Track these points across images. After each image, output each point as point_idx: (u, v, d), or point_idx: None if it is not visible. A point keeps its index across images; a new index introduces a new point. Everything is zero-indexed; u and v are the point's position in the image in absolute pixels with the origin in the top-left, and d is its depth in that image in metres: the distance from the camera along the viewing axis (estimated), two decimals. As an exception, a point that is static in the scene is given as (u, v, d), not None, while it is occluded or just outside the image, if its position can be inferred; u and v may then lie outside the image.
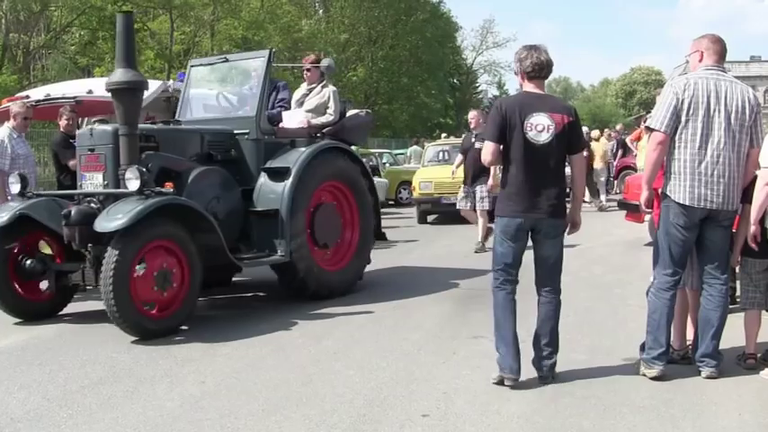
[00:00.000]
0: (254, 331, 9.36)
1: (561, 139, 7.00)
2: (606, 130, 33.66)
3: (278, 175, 11.05)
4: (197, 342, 8.92)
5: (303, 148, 11.39)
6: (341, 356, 8.18)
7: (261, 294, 12.50)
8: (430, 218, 23.56)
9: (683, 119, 6.90)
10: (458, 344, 8.57)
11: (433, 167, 24.17)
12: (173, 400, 6.88)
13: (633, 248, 15.59)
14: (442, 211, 23.08)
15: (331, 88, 12.45)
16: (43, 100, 14.48)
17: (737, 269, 7.75)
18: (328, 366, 7.83)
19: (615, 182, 29.71)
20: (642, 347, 7.28)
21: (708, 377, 7.14)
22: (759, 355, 7.44)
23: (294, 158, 11.17)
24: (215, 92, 13.01)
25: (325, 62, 12.42)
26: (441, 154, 25.68)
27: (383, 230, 13.28)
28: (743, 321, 7.56)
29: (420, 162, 27.29)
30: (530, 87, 7.15)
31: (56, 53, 45.58)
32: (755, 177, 7.13)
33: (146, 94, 14.84)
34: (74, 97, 14.60)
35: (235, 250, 10.56)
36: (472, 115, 17.20)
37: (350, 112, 12.89)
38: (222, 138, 11.37)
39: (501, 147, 7.06)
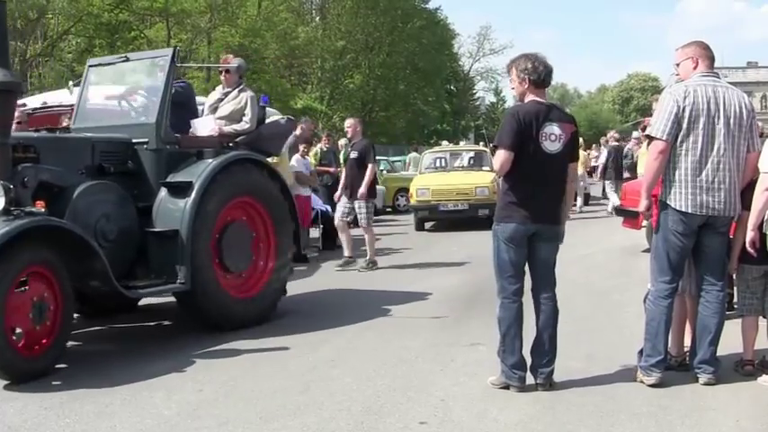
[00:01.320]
0: (251, 339, 9.36)
1: (567, 148, 7.12)
2: (602, 138, 33.59)
3: (179, 190, 9.64)
4: (194, 350, 8.91)
5: (210, 160, 10.00)
6: (338, 364, 8.18)
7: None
8: (427, 225, 23.56)
9: (684, 126, 6.88)
10: (455, 351, 8.57)
11: (430, 174, 24.17)
12: (170, 409, 6.88)
13: (630, 255, 15.60)
14: (439, 218, 23.12)
15: (249, 93, 11.25)
16: (40, 108, 14.48)
17: (734, 276, 7.75)
18: (326, 374, 7.83)
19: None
20: (640, 354, 7.28)
21: (706, 383, 7.13)
22: (756, 361, 7.43)
23: (198, 171, 9.76)
24: (114, 96, 11.28)
25: (235, 62, 11.49)
26: (438, 161, 25.69)
27: (304, 252, 11.99)
28: (740, 328, 7.56)
29: (417, 169, 27.30)
30: (534, 96, 7.15)
31: (53, 61, 45.51)
32: (752, 182, 7.15)
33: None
34: (70, 105, 14.59)
35: (130, 275, 9.40)
36: (349, 123, 16.28)
37: (269, 119, 11.97)
38: (118, 147, 9.84)
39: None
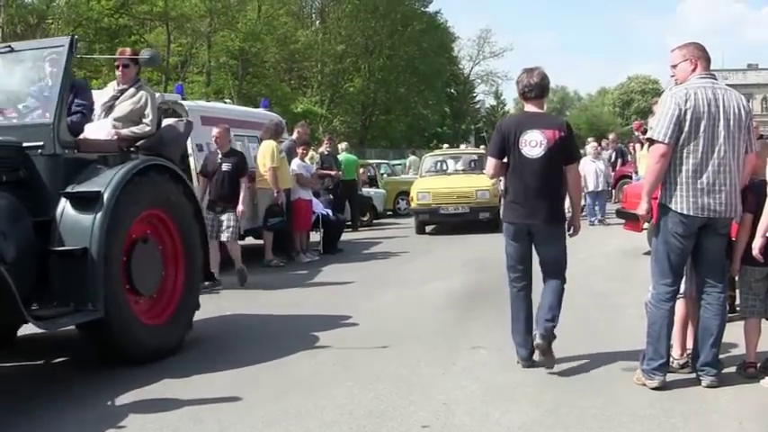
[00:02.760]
0: (253, 344, 9.35)
1: (554, 152, 7.69)
2: (603, 141, 33.58)
3: (85, 202, 8.27)
4: (196, 355, 8.91)
5: (117, 167, 8.72)
6: (340, 368, 8.17)
7: (253, 307, 12.29)
8: (428, 228, 23.54)
9: (686, 129, 6.86)
10: (456, 355, 8.55)
11: (430, 178, 24.17)
12: (172, 413, 6.87)
13: (631, 257, 15.57)
14: (439, 222, 23.10)
15: (148, 92, 9.99)
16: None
17: (736, 278, 7.74)
18: (328, 378, 7.82)
19: (613, 191, 29.64)
20: (642, 358, 7.26)
21: (708, 386, 7.11)
22: (759, 363, 7.42)
23: (106, 180, 8.44)
24: None
25: (146, 53, 9.94)
26: (438, 164, 25.70)
27: (212, 271, 10.93)
28: (742, 330, 7.56)
29: (417, 172, 27.29)
30: (528, 107, 7.95)
31: (53, 66, 45.50)
32: (752, 184, 7.15)
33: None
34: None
35: (27, 303, 7.62)
36: (216, 133, 14.68)
37: (165, 122, 10.67)
38: (6, 152, 8.21)
39: (503, 162, 7.90)
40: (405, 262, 16.97)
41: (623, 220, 16.58)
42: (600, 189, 23.58)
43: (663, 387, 7.07)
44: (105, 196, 8.26)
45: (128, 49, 10.54)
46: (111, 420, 6.74)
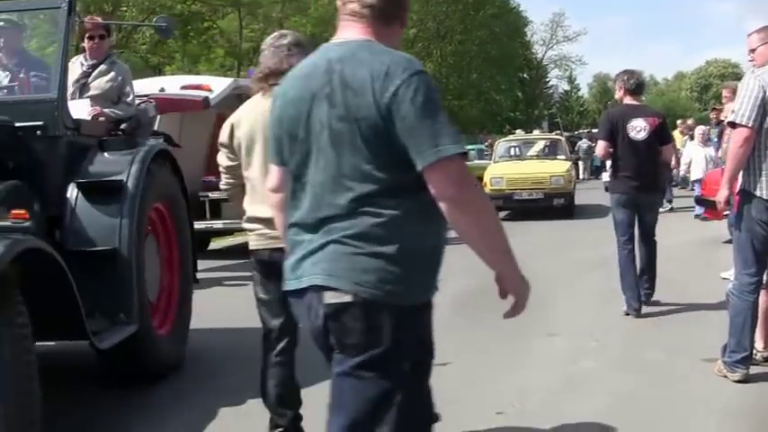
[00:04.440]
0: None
1: (654, 136, 9.61)
2: (679, 122, 33.04)
3: (103, 193, 7.03)
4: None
5: (125, 153, 7.45)
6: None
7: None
8: (501, 214, 23.38)
9: (772, 112, 6.69)
10: (532, 342, 8.48)
11: (504, 163, 24.07)
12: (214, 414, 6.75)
13: (711, 245, 15.26)
14: (513, 207, 22.95)
15: (123, 67, 8.88)
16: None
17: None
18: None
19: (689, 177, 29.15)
20: (724, 349, 7.08)
21: (793, 379, 6.95)
22: None
23: (121, 168, 7.20)
24: None
25: (162, 21, 8.90)
26: (512, 150, 25.58)
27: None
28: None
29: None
30: (630, 100, 9.81)
31: (127, 52, 46.00)
32: None
33: (216, 92, 15.10)
34: (146, 95, 14.70)
35: None
36: None
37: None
38: (2, 132, 6.70)
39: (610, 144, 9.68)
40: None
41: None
42: None
43: (745, 380, 6.88)
44: (129, 186, 7.06)
45: (99, 18, 9.20)
46: None
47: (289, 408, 5.56)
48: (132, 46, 46.77)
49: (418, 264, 3.20)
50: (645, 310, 9.63)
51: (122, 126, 8.37)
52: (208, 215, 16.69)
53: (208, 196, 16.83)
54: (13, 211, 5.63)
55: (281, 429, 5.53)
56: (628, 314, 9.42)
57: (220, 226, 16.71)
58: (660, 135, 9.76)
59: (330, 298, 3.14)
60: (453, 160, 3.08)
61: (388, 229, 3.14)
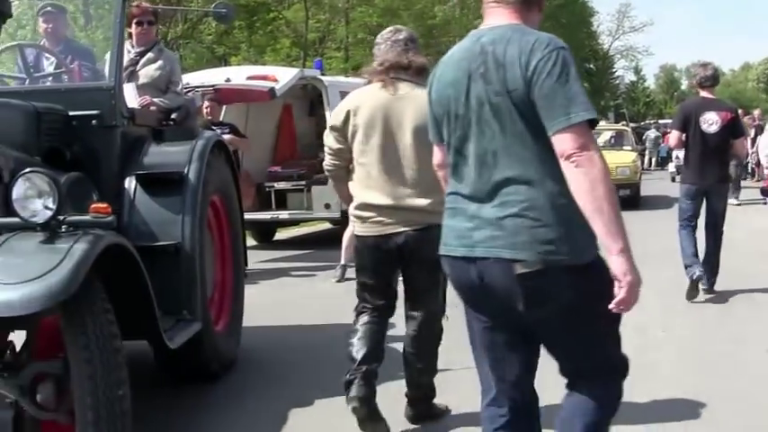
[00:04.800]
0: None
1: (725, 129, 10.04)
2: (747, 117, 32.59)
3: (163, 185, 6.74)
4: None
5: (185, 143, 7.17)
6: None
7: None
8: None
9: None
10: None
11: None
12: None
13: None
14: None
15: (171, 54, 8.72)
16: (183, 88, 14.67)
17: None
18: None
19: (757, 169, 28.83)
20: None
21: None
22: None
23: (181, 159, 6.91)
24: (12, 45, 7.96)
25: (222, 7, 8.40)
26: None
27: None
28: None
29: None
30: (704, 93, 10.32)
31: (193, 43, 46.31)
32: None
33: (282, 82, 15.16)
34: (212, 85, 14.81)
35: None
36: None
37: None
38: (57, 122, 6.42)
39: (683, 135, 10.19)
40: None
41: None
42: None
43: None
44: (191, 179, 6.76)
45: (145, 3, 8.97)
46: None
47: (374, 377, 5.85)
48: (198, 36, 47.06)
49: (579, 226, 3.53)
50: (709, 300, 10.03)
51: (173, 116, 8.10)
52: (273, 206, 16.76)
53: (273, 187, 16.90)
54: (94, 205, 4.90)
55: (363, 408, 5.74)
56: (695, 282, 9.90)
57: (286, 216, 16.79)
58: (732, 129, 10.15)
59: (520, 268, 3.56)
60: (582, 125, 3.50)
61: (553, 198, 3.58)
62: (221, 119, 14.51)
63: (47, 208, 4.60)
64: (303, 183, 16.63)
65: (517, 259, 3.57)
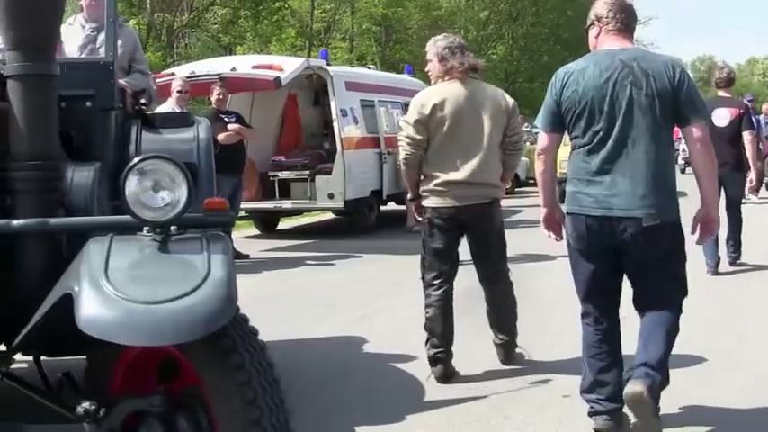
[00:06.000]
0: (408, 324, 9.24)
1: (735, 124, 11.24)
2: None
3: None
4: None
5: (184, 129, 5.97)
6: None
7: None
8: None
9: None
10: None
11: (574, 146, 23.84)
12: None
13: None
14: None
15: (131, 30, 7.72)
16: (188, 77, 14.64)
17: None
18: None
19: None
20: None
21: None
22: None
23: (188, 147, 5.76)
24: None
25: None
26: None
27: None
28: None
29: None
30: (720, 93, 11.63)
31: (198, 32, 46.27)
32: None
33: (288, 71, 15.13)
34: (218, 74, 14.80)
35: None
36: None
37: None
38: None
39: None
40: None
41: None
42: None
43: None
44: (203, 168, 5.70)
45: None
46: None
47: (448, 341, 6.86)
48: (203, 25, 47.03)
49: (676, 194, 5.25)
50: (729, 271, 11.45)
51: (142, 100, 6.65)
52: (277, 195, 16.74)
53: (277, 176, 16.88)
54: (208, 200, 4.13)
55: (441, 356, 6.79)
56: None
57: (289, 206, 16.77)
58: (741, 124, 11.25)
59: (650, 221, 5.06)
60: (706, 120, 5.43)
61: (670, 171, 5.26)
62: (227, 107, 14.48)
63: (167, 205, 3.77)
64: (307, 172, 16.61)
65: (645, 216, 5.05)
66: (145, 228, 3.77)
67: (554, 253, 13.73)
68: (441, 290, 6.87)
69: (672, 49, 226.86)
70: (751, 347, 7.62)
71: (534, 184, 25.31)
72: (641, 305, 5.34)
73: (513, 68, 64.10)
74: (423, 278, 7.02)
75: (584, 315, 5.53)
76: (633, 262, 5.24)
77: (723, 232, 10.79)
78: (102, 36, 6.57)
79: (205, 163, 5.73)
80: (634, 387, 4.90)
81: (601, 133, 5.19)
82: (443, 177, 6.78)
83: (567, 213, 5.49)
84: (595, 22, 5.47)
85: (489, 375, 6.87)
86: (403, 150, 6.87)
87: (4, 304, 4.08)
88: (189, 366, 3.71)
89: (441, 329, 6.80)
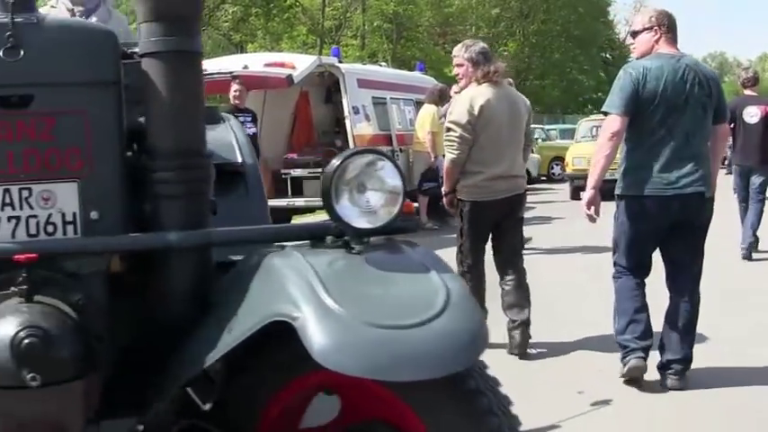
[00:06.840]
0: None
1: (765, 120, 12.18)
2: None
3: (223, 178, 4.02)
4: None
5: (215, 126, 4.38)
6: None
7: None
8: (582, 194, 23.17)
9: None
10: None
11: (586, 143, 23.79)
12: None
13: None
14: (595, 188, 22.76)
15: (122, 16, 6.74)
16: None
17: None
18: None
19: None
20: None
21: None
22: None
23: (225, 145, 4.29)
24: None
25: None
26: (594, 130, 25.33)
27: None
28: None
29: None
30: (748, 91, 12.74)
31: (210, 30, 46.36)
32: None
33: (300, 69, 15.18)
34: (230, 72, 14.85)
35: None
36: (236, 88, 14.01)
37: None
38: None
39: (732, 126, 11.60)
40: (559, 227, 17.28)
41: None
42: None
43: None
44: (250, 172, 4.30)
45: None
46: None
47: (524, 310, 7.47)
48: (215, 23, 47.13)
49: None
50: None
51: None
52: (289, 193, 16.76)
53: (290, 174, 16.90)
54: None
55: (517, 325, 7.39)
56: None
57: (302, 203, 16.78)
58: None
59: (706, 196, 6.19)
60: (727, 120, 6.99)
61: (709, 158, 6.31)
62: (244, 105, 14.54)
63: (374, 209, 3.04)
64: (319, 170, 16.55)
65: (702, 192, 6.15)
66: (328, 237, 3.16)
67: (560, 248, 13.86)
68: (477, 270, 7.50)
69: (683, 46, 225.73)
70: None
71: (545, 181, 25.33)
72: (678, 263, 6.38)
73: (524, 66, 63.99)
74: (461, 263, 7.50)
75: (621, 270, 6.52)
76: (687, 229, 6.26)
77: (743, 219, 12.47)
78: (92, 20, 5.74)
79: (251, 165, 4.38)
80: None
81: (669, 125, 6.12)
82: (487, 173, 7.38)
83: (634, 197, 6.58)
84: (656, 27, 6.33)
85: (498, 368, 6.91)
86: (455, 150, 7.34)
87: (135, 334, 3.24)
88: (362, 402, 3.04)
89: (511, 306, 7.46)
